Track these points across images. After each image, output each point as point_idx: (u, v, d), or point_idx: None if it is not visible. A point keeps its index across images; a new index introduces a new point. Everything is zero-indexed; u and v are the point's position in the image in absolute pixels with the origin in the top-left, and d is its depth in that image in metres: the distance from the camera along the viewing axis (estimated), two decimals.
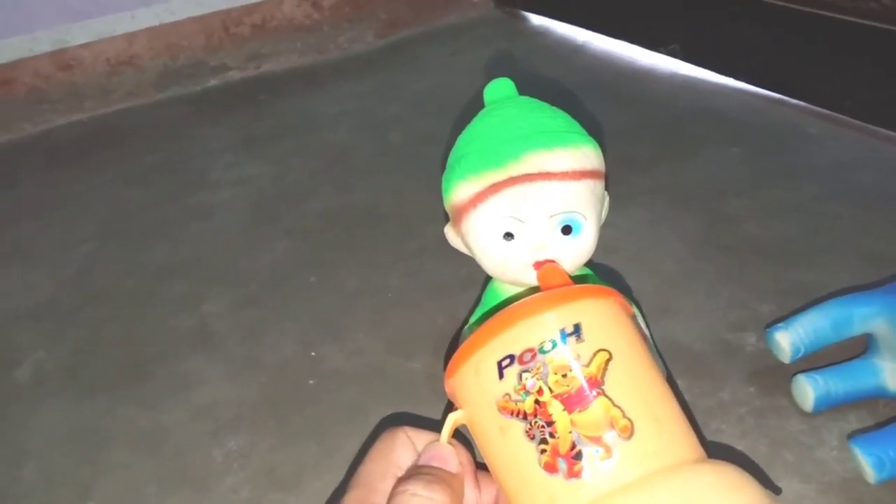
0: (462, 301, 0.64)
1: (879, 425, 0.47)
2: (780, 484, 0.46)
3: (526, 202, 0.42)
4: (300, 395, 0.59)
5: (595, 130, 0.47)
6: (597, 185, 0.44)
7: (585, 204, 0.43)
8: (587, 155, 0.43)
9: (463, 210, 0.44)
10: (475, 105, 0.48)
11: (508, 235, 0.43)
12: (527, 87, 0.49)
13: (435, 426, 0.40)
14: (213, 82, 1.18)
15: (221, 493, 0.51)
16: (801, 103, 0.88)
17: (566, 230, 0.43)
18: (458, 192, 0.44)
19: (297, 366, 0.62)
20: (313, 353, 0.63)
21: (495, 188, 0.43)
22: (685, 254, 0.68)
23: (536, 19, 1.25)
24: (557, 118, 0.45)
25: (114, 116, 1.11)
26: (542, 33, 1.21)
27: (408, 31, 1.27)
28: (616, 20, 1.10)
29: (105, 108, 1.11)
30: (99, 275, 0.77)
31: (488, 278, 0.49)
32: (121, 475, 0.54)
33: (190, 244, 0.80)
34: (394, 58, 1.20)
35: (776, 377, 0.53)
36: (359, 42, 1.25)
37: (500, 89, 0.46)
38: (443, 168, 0.47)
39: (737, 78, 0.94)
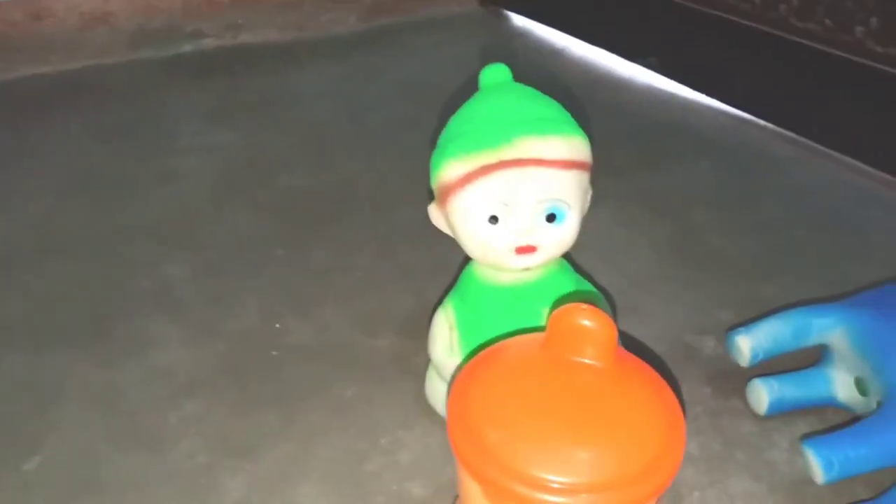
0: (432, 284, 0.64)
1: (829, 431, 0.49)
2: (731, 480, 0.47)
3: (515, 186, 0.43)
4: (261, 365, 0.58)
5: None
6: (583, 177, 0.45)
7: (572, 193, 0.44)
8: (578, 146, 0.44)
9: (451, 189, 0.44)
10: (458, 95, 0.48)
11: (494, 219, 0.43)
12: None
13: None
14: (187, 48, 1.16)
15: (176, 457, 0.51)
16: (770, 125, 0.90)
17: (551, 218, 0.43)
18: (447, 170, 0.44)
19: (260, 336, 0.61)
20: (277, 325, 0.62)
21: (486, 170, 0.43)
22: (652, 258, 0.69)
23: (519, 20, 1.26)
24: (551, 107, 0.45)
25: (83, 72, 1.08)
26: (523, 34, 1.22)
27: (390, 18, 1.27)
28: (597, 28, 1.12)
29: (74, 62, 1.08)
30: (59, 229, 0.75)
31: (466, 261, 0.49)
32: (72, 431, 0.53)
33: (154, 207, 0.78)
34: (375, 43, 1.19)
35: (732, 381, 0.55)
36: (340, 23, 1.24)
37: (496, 74, 0.47)
38: (424, 152, 0.47)
39: (710, 95, 0.97)
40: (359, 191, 0.81)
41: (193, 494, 0.48)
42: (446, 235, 0.47)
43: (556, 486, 0.31)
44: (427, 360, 0.52)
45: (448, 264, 0.64)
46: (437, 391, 0.52)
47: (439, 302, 0.50)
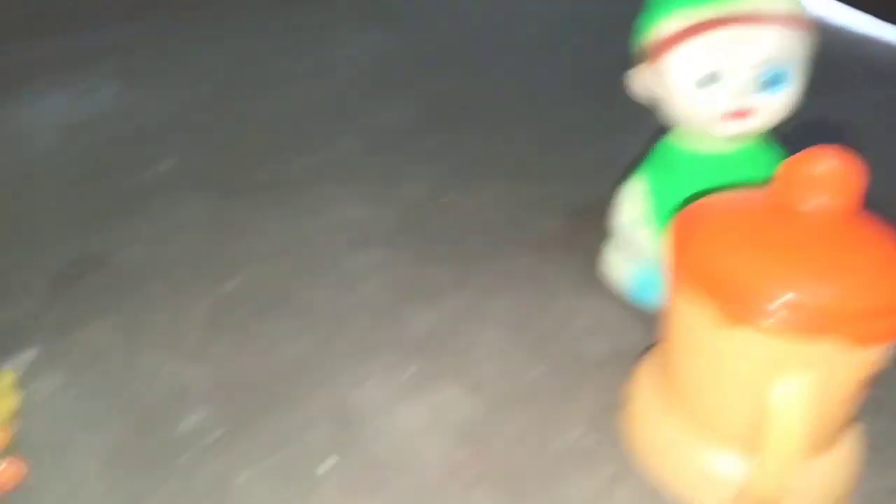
0: (599, 176, 0.64)
1: None
2: None
3: (732, 46, 0.42)
4: (434, 229, 0.61)
5: None
6: (806, 39, 0.44)
7: (793, 56, 0.43)
8: (799, 4, 0.43)
9: (663, 47, 0.44)
10: None
11: (708, 79, 0.43)
12: None
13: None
14: None
15: (363, 294, 0.54)
16: None
17: (770, 82, 0.43)
18: (661, 27, 0.44)
19: (429, 207, 0.63)
20: (445, 200, 0.64)
21: (702, 27, 0.43)
22: None
23: None
24: None
25: None
26: None
27: None
28: None
29: None
30: (231, 101, 0.79)
31: (660, 133, 0.49)
32: (262, 263, 0.57)
33: (317, 93, 0.82)
34: None
35: None
36: None
37: None
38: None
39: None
40: (515, 91, 0.82)
41: (381, 325, 0.51)
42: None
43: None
44: (597, 239, 0.53)
45: (613, 162, 0.64)
46: (615, 265, 0.53)
47: (610, 190, 0.51)
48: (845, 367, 0.33)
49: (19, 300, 0.53)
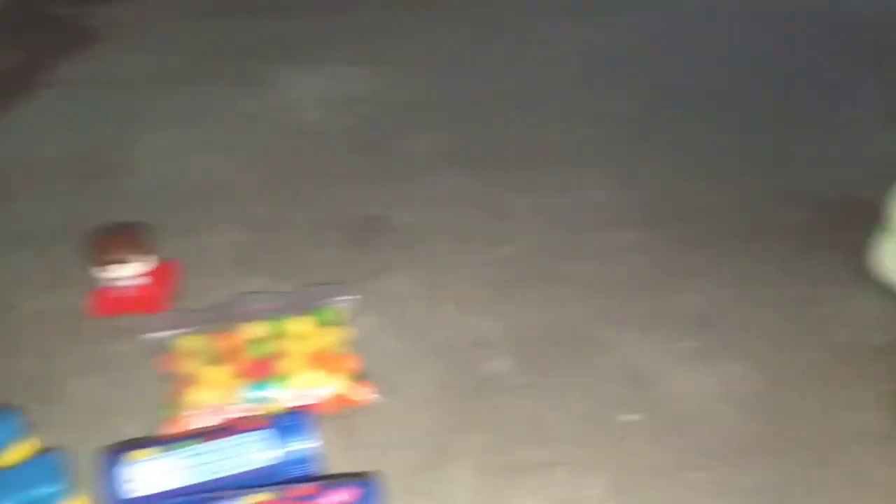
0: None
1: None
2: None
3: None
4: (682, 216, 0.64)
5: None
6: None
7: None
8: None
9: None
10: None
11: None
12: None
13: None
14: None
15: (623, 269, 0.58)
16: None
17: None
18: None
19: (672, 195, 0.66)
20: (688, 188, 0.67)
21: None
22: None
23: None
24: None
25: None
26: None
27: None
28: None
29: None
30: (465, 84, 0.86)
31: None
32: (526, 235, 0.62)
33: (535, 80, 0.87)
34: None
35: None
36: None
37: None
38: None
39: None
40: (744, 81, 0.83)
41: (651, 299, 0.55)
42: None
43: None
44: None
45: (857, 158, 0.65)
46: (891, 258, 0.54)
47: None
48: None
49: (329, 249, 0.60)
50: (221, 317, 0.50)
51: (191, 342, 0.48)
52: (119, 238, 0.53)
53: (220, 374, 0.46)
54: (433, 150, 0.74)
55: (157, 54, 0.93)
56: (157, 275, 0.54)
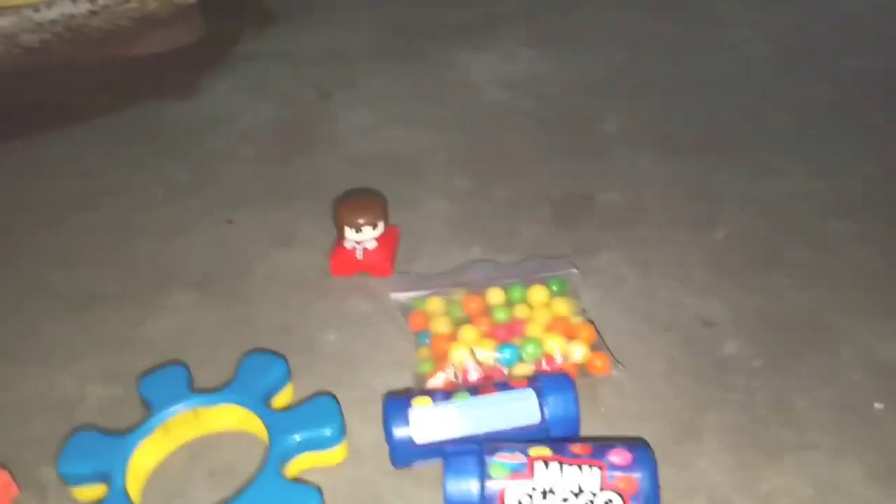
0: None
1: None
2: None
3: None
4: None
5: None
6: None
7: None
8: None
9: None
10: None
11: None
12: None
13: None
14: None
15: (851, 260, 0.56)
16: None
17: None
18: None
19: (886, 186, 0.64)
20: None
21: None
22: None
23: None
24: None
25: None
26: None
27: None
28: None
29: None
30: (646, 68, 0.85)
31: None
32: (739, 219, 0.61)
33: (720, 64, 0.85)
34: None
35: None
36: None
37: None
38: None
39: None
40: None
41: (883, 289, 0.53)
42: None
43: None
44: None
45: None
46: None
47: None
48: None
49: (536, 224, 0.62)
50: (458, 282, 0.53)
51: (435, 304, 0.51)
52: (367, 203, 0.56)
53: (472, 333, 0.48)
54: (625, 131, 0.74)
55: (339, 34, 0.97)
56: (386, 239, 0.57)
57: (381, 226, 0.56)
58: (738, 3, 1.00)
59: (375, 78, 0.87)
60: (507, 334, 0.48)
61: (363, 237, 0.55)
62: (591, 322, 0.50)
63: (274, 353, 0.48)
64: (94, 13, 0.71)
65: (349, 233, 0.55)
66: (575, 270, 0.53)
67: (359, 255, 0.56)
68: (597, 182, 0.67)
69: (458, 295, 0.51)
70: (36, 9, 0.67)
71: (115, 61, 0.89)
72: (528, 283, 0.52)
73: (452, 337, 0.48)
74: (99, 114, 0.80)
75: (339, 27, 0.99)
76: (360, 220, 0.55)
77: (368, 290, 0.55)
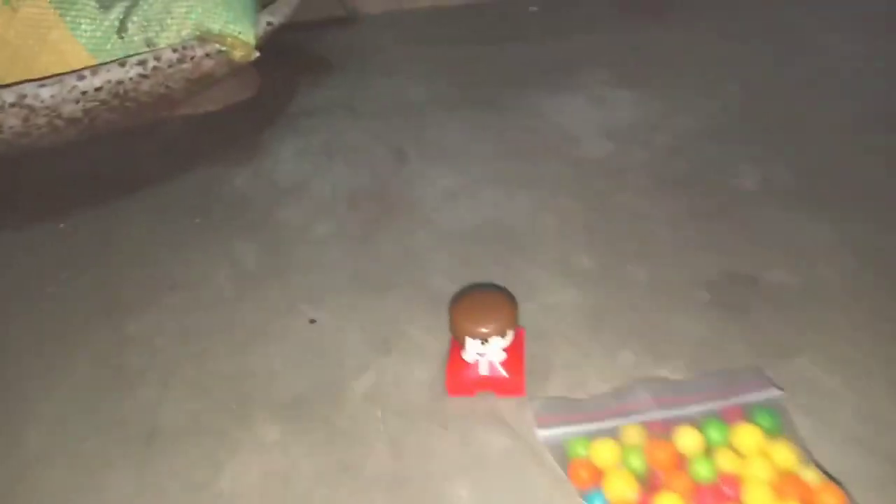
0: None
1: None
2: None
3: None
4: None
5: None
6: None
7: None
8: None
9: None
10: None
11: None
12: None
13: None
14: None
15: None
16: None
17: None
18: None
19: None
20: None
21: None
22: None
23: None
24: None
25: None
26: None
27: None
28: None
29: None
30: (753, 107, 0.74)
31: None
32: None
33: (823, 100, 0.73)
34: None
35: None
36: None
37: None
38: None
39: None
40: None
41: None
42: None
43: None
44: None
45: None
46: None
47: None
48: None
49: (697, 318, 0.49)
50: (624, 410, 0.40)
51: (606, 450, 0.38)
52: (493, 306, 0.44)
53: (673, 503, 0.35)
54: (768, 185, 0.62)
55: (399, 80, 0.87)
56: (514, 347, 0.45)
57: (510, 334, 0.44)
58: (836, 31, 0.88)
59: (450, 131, 0.76)
60: (716, 500, 0.35)
61: (489, 349, 0.44)
62: (831, 477, 0.37)
63: None
64: (144, 76, 0.62)
65: (472, 344, 0.44)
66: (779, 391, 0.41)
67: (483, 369, 0.44)
68: (754, 255, 0.55)
69: (633, 436, 0.39)
70: (80, 76, 0.58)
71: (164, 123, 0.80)
72: (725, 415, 0.39)
73: None
74: (149, 185, 0.70)
75: (397, 74, 0.89)
76: (486, 330, 0.43)
77: (499, 417, 0.44)
